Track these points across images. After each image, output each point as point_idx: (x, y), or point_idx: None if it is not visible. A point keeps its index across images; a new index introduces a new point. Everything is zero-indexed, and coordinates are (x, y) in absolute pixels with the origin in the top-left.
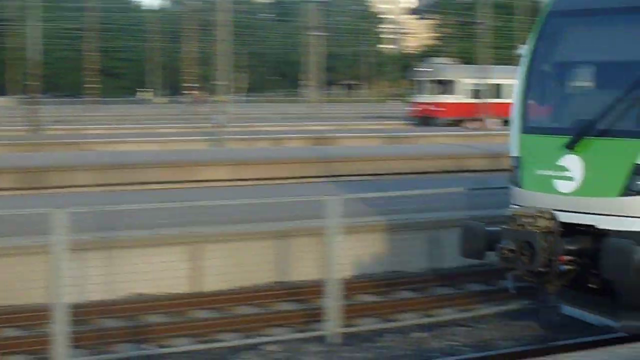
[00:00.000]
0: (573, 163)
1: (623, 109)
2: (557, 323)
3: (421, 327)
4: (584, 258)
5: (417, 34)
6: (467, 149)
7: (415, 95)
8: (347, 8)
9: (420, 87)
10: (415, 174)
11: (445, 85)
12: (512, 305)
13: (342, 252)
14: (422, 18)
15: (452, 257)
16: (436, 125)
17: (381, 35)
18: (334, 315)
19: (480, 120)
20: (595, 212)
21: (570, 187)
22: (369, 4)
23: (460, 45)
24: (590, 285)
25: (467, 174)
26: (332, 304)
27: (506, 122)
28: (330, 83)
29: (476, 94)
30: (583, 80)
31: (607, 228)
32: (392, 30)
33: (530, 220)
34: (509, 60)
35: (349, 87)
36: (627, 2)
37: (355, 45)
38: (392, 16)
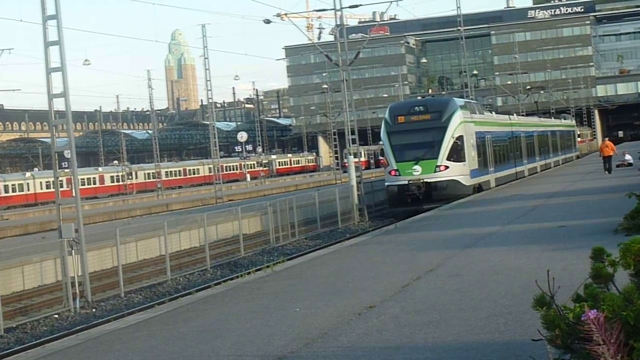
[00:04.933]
0: (418, 167)
1: (428, 153)
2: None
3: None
4: (427, 189)
5: None
6: None
7: None
8: None
9: None
10: None
11: None
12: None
13: None
14: None
15: None
16: None
17: None
18: None
19: None
20: (427, 178)
21: (417, 173)
22: None
23: None
24: (419, 197)
25: None
26: None
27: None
28: None
29: None
30: (405, 147)
31: (431, 181)
32: None
33: (416, 181)
34: None
35: None
36: (415, 126)
37: None
38: None
